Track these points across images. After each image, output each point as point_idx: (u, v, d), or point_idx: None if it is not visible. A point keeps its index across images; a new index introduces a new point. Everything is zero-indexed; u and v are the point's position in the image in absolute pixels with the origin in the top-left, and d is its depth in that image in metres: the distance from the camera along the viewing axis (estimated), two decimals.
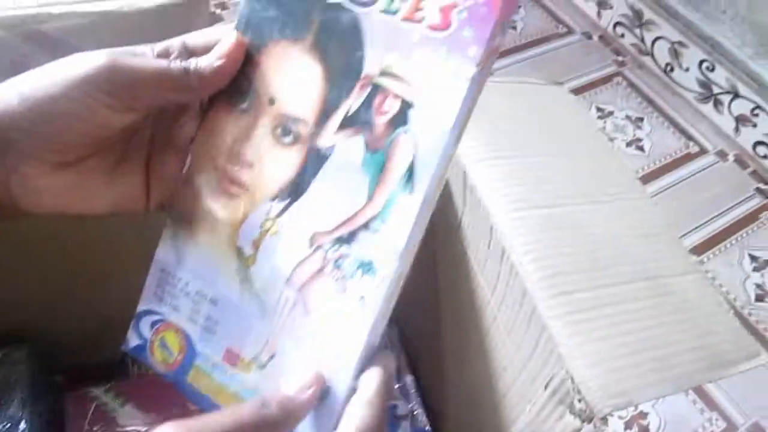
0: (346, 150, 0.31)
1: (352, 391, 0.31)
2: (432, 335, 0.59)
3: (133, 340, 0.37)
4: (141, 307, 0.37)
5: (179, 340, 0.36)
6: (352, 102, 0.31)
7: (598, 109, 1.33)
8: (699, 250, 1.14)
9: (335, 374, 0.31)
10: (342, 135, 0.31)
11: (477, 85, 0.29)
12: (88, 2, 0.44)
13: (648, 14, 1.40)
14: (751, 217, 1.20)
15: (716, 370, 0.38)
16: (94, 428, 0.56)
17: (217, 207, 0.34)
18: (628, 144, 1.28)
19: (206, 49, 0.32)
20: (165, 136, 0.35)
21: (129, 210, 0.34)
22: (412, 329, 0.65)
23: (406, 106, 0.30)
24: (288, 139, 0.32)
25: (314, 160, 0.32)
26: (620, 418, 0.94)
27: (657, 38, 1.39)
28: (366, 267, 0.31)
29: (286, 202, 0.33)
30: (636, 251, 0.42)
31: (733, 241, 1.16)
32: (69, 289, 0.56)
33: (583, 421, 0.35)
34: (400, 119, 0.30)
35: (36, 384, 0.54)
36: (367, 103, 0.31)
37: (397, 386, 0.62)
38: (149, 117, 0.34)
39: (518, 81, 0.54)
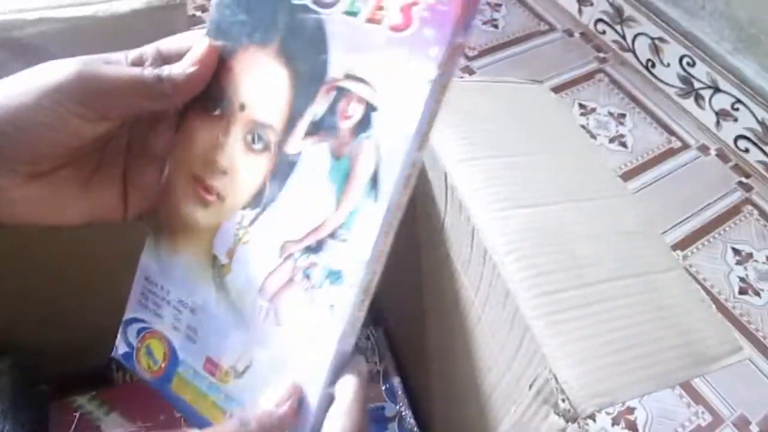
0: (313, 157, 0.31)
1: (325, 399, 0.31)
2: (418, 337, 0.59)
3: (121, 347, 0.37)
4: (127, 314, 0.37)
5: (163, 348, 0.36)
6: (318, 107, 0.30)
7: (581, 106, 1.33)
8: (683, 244, 1.14)
9: (307, 383, 0.31)
10: (309, 142, 0.31)
11: (439, 86, 0.28)
12: (62, 8, 0.43)
13: (628, 11, 1.40)
14: (733, 211, 1.21)
15: (700, 367, 0.38)
16: None
17: (195, 215, 0.34)
18: (611, 140, 1.29)
19: (180, 56, 0.31)
20: (142, 144, 0.34)
21: (106, 220, 0.34)
22: (399, 331, 0.65)
23: (369, 110, 0.29)
24: (258, 146, 0.32)
25: (282, 168, 0.31)
26: (607, 414, 0.94)
27: (638, 34, 1.40)
28: (334, 276, 0.30)
29: (257, 210, 0.32)
30: (618, 249, 0.42)
31: (716, 235, 1.17)
32: (52, 298, 0.55)
33: (567, 421, 0.35)
34: (363, 124, 0.29)
35: (18, 395, 0.54)
36: (332, 108, 0.30)
37: (384, 388, 0.62)
38: (125, 126, 0.33)
39: (498, 80, 0.54)
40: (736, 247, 1.15)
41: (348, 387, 0.30)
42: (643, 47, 1.40)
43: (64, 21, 0.43)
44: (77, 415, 0.57)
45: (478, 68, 1.35)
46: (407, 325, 0.61)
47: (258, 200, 0.32)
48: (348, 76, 0.29)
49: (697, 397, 0.97)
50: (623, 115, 1.33)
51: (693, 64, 1.32)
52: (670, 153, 1.29)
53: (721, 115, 1.31)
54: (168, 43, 0.32)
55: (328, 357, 0.30)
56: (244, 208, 0.33)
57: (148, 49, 0.31)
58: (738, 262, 1.13)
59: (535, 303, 0.37)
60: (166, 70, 0.30)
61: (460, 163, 0.44)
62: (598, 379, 0.35)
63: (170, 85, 0.30)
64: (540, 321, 0.37)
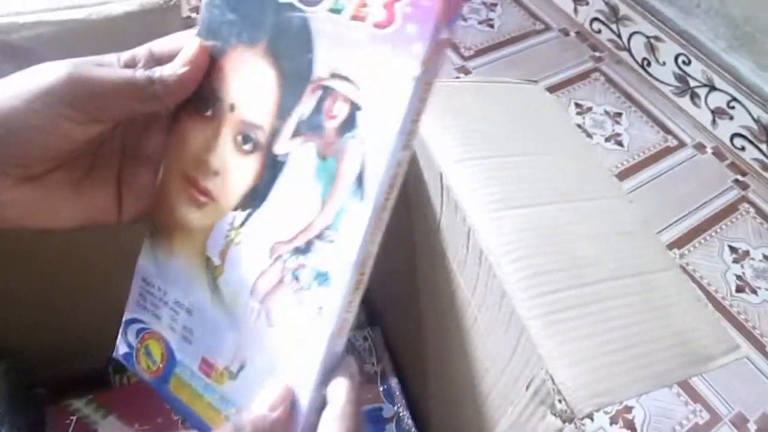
0: (300, 158, 0.30)
1: (316, 400, 0.30)
2: (415, 338, 0.58)
3: (121, 348, 0.37)
4: (127, 315, 0.37)
5: (161, 349, 0.36)
6: (305, 107, 0.30)
7: (577, 105, 1.33)
8: (679, 242, 1.14)
9: (298, 385, 0.31)
10: (296, 142, 0.30)
11: (424, 84, 0.27)
12: (55, 11, 0.43)
13: (624, 10, 1.40)
14: (730, 209, 1.21)
15: (697, 366, 0.38)
16: None
17: (189, 217, 0.34)
18: (607, 139, 1.29)
19: (171, 57, 0.31)
20: (135, 146, 0.34)
21: (99, 223, 0.34)
22: (396, 332, 0.65)
23: (354, 109, 0.29)
24: (248, 147, 0.32)
25: (271, 169, 0.31)
26: (605, 413, 0.94)
27: (633, 33, 1.40)
28: (322, 278, 0.30)
29: (248, 211, 0.32)
30: (614, 249, 0.42)
31: (713, 233, 1.17)
32: (47, 301, 0.55)
33: (564, 422, 0.35)
34: (348, 124, 0.29)
35: (14, 398, 0.54)
36: (318, 107, 0.30)
37: (382, 389, 0.62)
38: (118, 128, 0.33)
39: (494, 80, 0.54)
40: (733, 245, 1.16)
41: (340, 390, 0.30)
42: (638, 46, 1.40)
43: (58, 24, 0.43)
44: (74, 418, 0.57)
45: (473, 68, 1.35)
46: (404, 325, 0.61)
47: (248, 201, 0.32)
48: (333, 75, 0.29)
49: (694, 396, 0.97)
50: (619, 114, 1.33)
51: (688, 63, 1.32)
52: (667, 151, 1.29)
53: (716, 113, 1.31)
54: (160, 45, 0.32)
55: (317, 359, 0.30)
56: (235, 209, 0.32)
57: (141, 51, 0.31)
58: (735, 260, 1.13)
59: (531, 303, 0.37)
60: (158, 72, 0.30)
61: (455, 164, 0.44)
62: (594, 380, 0.35)
63: (162, 86, 0.30)
64: (536, 321, 0.37)
